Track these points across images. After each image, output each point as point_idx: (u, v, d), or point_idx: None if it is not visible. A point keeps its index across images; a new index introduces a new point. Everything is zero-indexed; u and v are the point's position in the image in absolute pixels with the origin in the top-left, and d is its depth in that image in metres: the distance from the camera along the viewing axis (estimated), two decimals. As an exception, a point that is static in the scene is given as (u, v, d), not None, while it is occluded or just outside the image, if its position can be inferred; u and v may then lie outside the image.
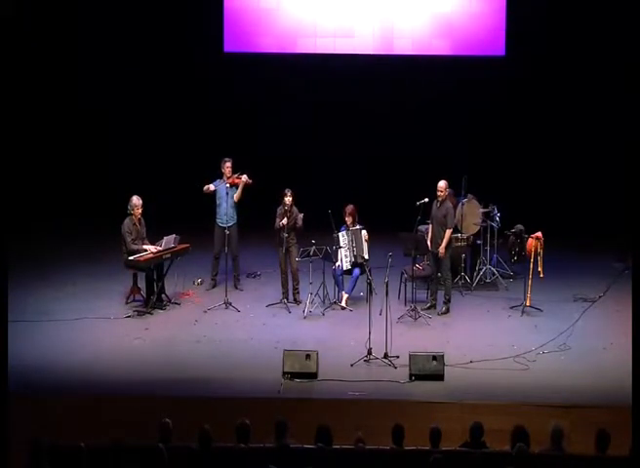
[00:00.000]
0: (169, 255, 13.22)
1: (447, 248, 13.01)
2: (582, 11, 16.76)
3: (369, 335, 11.41)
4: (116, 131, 17.55)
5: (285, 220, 13.12)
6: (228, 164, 13.68)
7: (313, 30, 17.31)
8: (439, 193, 13.01)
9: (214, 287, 13.93)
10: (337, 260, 13.32)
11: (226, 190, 13.53)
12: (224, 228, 13.53)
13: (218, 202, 13.73)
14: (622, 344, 11.41)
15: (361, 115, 17.43)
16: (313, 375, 10.92)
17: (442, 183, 13.02)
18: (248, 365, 11.30)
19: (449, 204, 13.18)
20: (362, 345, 11.54)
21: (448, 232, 13.00)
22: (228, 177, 13.64)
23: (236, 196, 13.73)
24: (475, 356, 11.43)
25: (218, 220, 13.76)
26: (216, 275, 13.95)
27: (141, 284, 13.21)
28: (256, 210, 14.21)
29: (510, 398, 10.40)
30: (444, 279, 13.10)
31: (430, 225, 13.22)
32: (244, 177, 13.62)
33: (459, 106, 17.18)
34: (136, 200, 13.03)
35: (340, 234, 13.28)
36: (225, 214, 13.67)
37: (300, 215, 13.28)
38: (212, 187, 13.69)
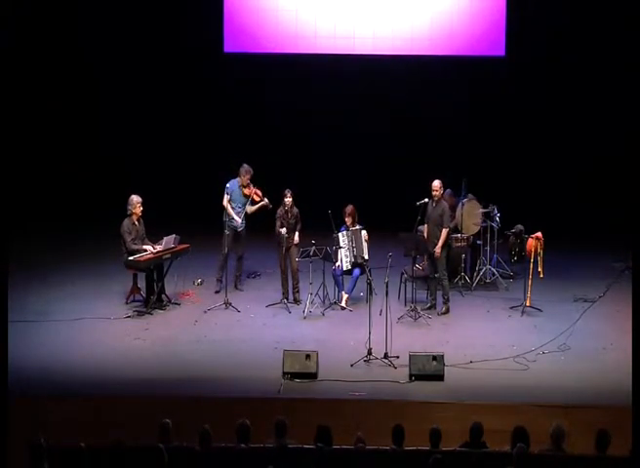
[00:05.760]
0: (169, 256, 13.21)
1: (442, 247, 13.01)
2: (582, 11, 16.76)
3: (369, 335, 11.41)
4: (116, 131, 17.53)
5: (284, 230, 13.12)
6: (248, 176, 13.59)
7: (313, 30, 17.30)
8: (434, 192, 12.99)
9: (221, 288, 13.63)
10: (337, 260, 13.32)
11: (242, 196, 13.52)
12: (236, 229, 13.52)
13: (232, 206, 13.65)
14: (622, 344, 11.40)
15: (360, 115, 17.41)
16: (313, 375, 10.92)
17: (437, 182, 13.00)
18: (248, 365, 11.28)
19: (444, 203, 13.17)
20: (362, 345, 11.53)
21: (444, 231, 12.98)
22: (244, 186, 13.57)
23: (249, 209, 13.68)
24: (475, 356, 11.43)
25: (229, 223, 13.56)
26: (222, 276, 13.78)
27: (141, 284, 13.20)
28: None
29: (510, 398, 10.39)
30: (441, 279, 13.09)
31: (426, 225, 13.21)
32: (266, 200, 13.61)
33: (458, 106, 17.16)
34: (136, 198, 13.01)
35: (339, 234, 13.28)
36: (240, 218, 13.61)
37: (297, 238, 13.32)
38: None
